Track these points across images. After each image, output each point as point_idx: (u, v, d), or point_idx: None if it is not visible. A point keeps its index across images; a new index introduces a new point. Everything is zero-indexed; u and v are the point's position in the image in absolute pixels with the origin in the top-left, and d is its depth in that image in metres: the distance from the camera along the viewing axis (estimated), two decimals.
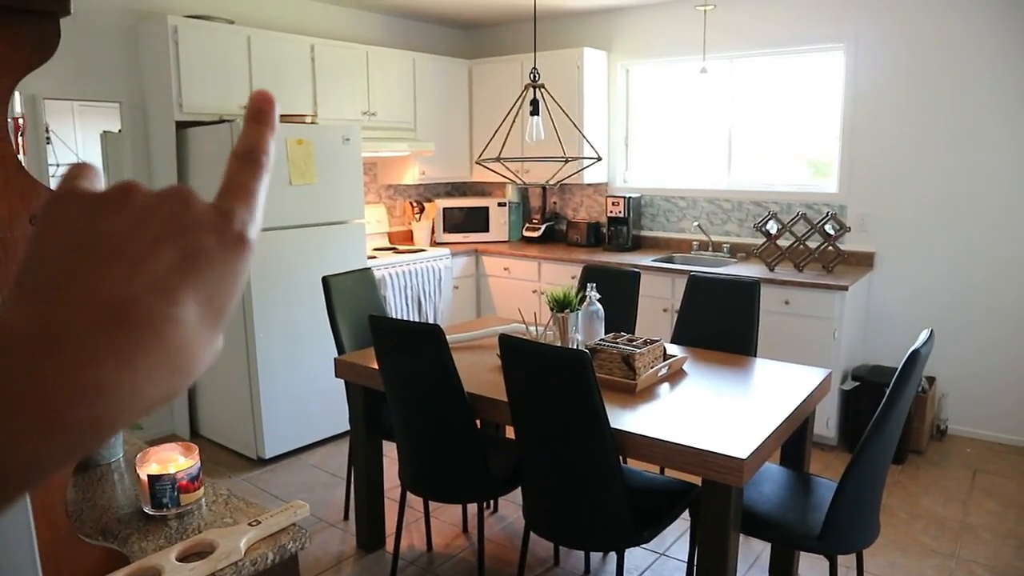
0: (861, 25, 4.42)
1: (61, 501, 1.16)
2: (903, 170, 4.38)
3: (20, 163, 1.05)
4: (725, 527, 2.17)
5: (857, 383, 4.13)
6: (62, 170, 5.25)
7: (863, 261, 4.54)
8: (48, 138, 4.36)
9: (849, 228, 4.36)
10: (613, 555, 3.13)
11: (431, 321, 5.05)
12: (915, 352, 2.13)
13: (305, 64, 4.60)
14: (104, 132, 4.52)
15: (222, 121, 3.96)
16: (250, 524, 1.38)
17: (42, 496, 1.12)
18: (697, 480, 2.29)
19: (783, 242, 4.57)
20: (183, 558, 1.28)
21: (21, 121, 1.69)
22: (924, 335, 2.24)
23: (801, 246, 4.43)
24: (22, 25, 1.01)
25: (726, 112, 5.06)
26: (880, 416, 2.14)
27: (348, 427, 3.36)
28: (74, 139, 5.97)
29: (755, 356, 3.16)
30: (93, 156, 5.31)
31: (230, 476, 3.92)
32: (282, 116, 4.09)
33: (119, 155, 4.34)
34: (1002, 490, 3.69)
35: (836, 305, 4.02)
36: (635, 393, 2.60)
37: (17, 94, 1.37)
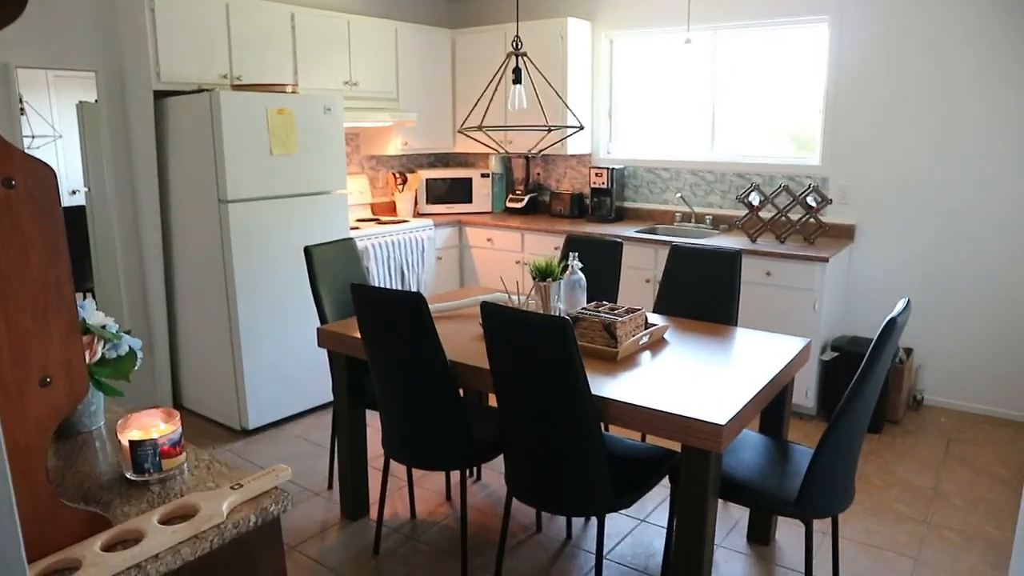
0: None
1: (41, 466, 1.16)
2: (885, 143, 4.41)
3: None
4: (704, 492, 2.21)
5: (836, 354, 4.19)
6: (37, 141, 5.19)
7: (844, 233, 4.58)
8: (22, 109, 4.28)
9: (831, 200, 4.39)
10: (595, 521, 3.18)
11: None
12: (891, 320, 2.16)
13: (286, 33, 4.54)
14: (80, 102, 4.45)
15: (201, 91, 3.90)
16: (232, 488, 1.39)
17: (20, 461, 1.12)
18: (677, 447, 2.32)
19: (765, 214, 4.59)
20: (166, 521, 1.29)
21: None
22: (901, 304, 2.27)
23: (783, 218, 4.46)
24: None
25: (710, 83, 5.05)
26: (856, 383, 2.17)
27: (331, 397, 3.37)
28: (49, 110, 5.87)
29: (736, 326, 3.19)
30: (69, 127, 5.24)
31: (213, 447, 3.93)
32: (263, 85, 4.06)
33: (96, 126, 4.28)
34: (975, 458, 3.77)
35: (817, 276, 4.05)
36: (616, 361, 2.62)
37: None
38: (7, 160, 1.05)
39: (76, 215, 4.43)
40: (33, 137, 5.18)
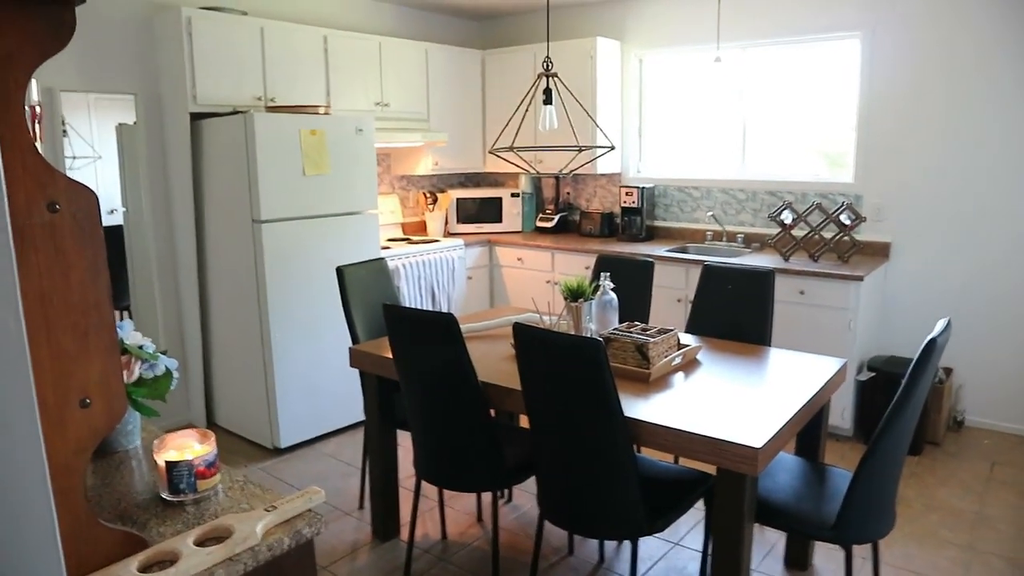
0: (878, 12, 4.37)
1: (80, 486, 1.17)
2: (920, 160, 4.34)
3: (37, 150, 1.06)
4: (739, 516, 2.17)
5: (873, 373, 4.11)
6: (78, 162, 5.30)
7: (879, 251, 4.50)
8: (64, 130, 4.39)
9: (865, 218, 4.33)
10: (627, 544, 3.13)
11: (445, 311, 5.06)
12: (932, 341, 2.11)
13: (318, 55, 4.61)
14: (120, 124, 4.55)
15: (236, 112, 3.97)
16: (266, 510, 1.39)
17: (60, 481, 1.13)
18: (711, 469, 2.28)
19: (798, 232, 4.53)
20: (200, 542, 1.29)
21: (38, 109, 1.70)
22: (941, 324, 2.22)
23: (816, 236, 4.40)
24: (38, 13, 1.01)
25: (740, 101, 5.02)
26: (896, 405, 2.12)
27: (363, 416, 3.38)
28: (90, 131, 6.01)
29: (770, 346, 3.14)
30: (108, 148, 5.35)
31: (246, 465, 3.95)
32: (296, 107, 4.12)
33: (134, 147, 4.37)
34: (1020, 482, 3.66)
35: (851, 295, 3.99)
36: (649, 382, 2.59)
37: (34, 83, 1.39)
38: (52, 185, 1.06)
39: (114, 234, 4.51)
40: (74, 158, 5.30)
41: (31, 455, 0.97)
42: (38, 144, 1.10)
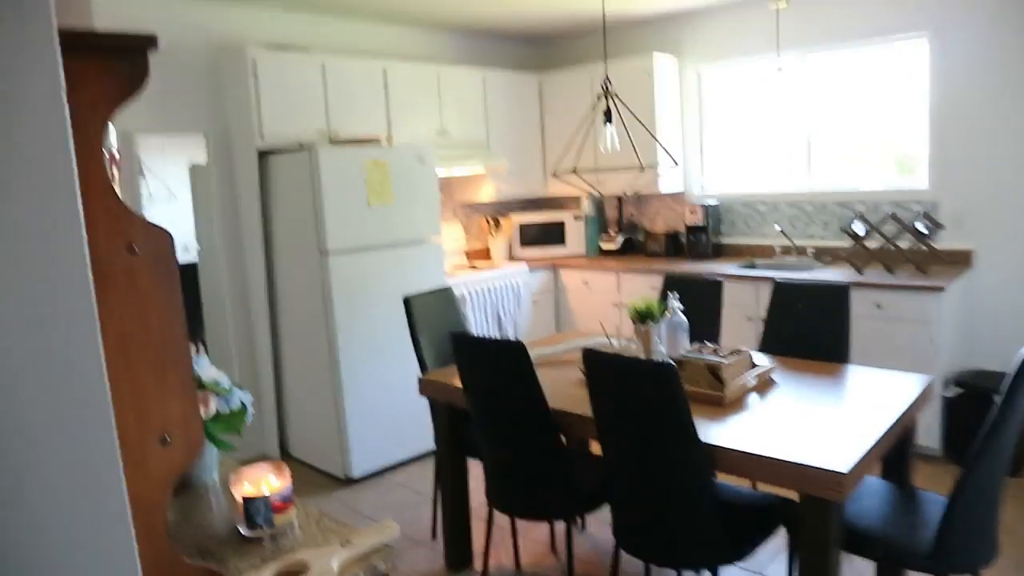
0: (945, 11, 4.21)
1: (161, 522, 1.19)
2: (999, 162, 4.14)
3: (116, 194, 1.08)
4: (826, 544, 2.07)
5: (961, 389, 3.91)
6: (154, 201, 5.50)
7: (960, 260, 4.30)
8: (141, 171, 4.57)
9: (943, 226, 4.15)
10: (707, 573, 3.03)
11: (511, 337, 5.05)
12: None
13: (378, 87, 4.69)
14: (192, 166, 4.71)
15: (301, 148, 4.06)
16: (341, 544, 1.38)
17: (143, 516, 1.15)
18: (792, 494, 2.19)
19: (871, 244, 4.37)
20: None
21: (117, 154, 1.76)
22: None
23: (891, 247, 4.24)
24: (115, 61, 1.04)
25: (804, 111, 4.90)
26: (994, 423, 2.00)
27: (433, 445, 3.38)
28: (164, 171, 6.25)
29: (848, 364, 3.02)
30: (182, 187, 5.54)
31: (319, 495, 3.99)
32: (358, 139, 4.19)
33: (206, 187, 4.51)
34: None
35: (932, 307, 3.82)
36: (723, 405, 2.51)
37: (112, 128, 1.43)
38: (130, 227, 1.09)
39: (188, 272, 4.66)
40: (151, 196, 5.51)
41: (113, 493, 0.98)
42: (116, 187, 1.13)
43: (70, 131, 0.81)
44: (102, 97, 1.03)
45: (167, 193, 5.75)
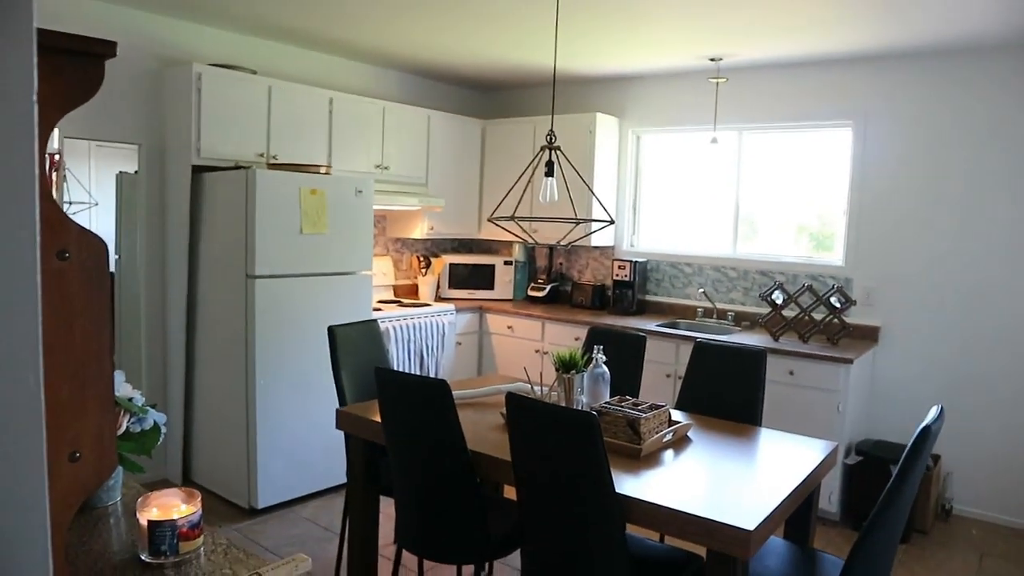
0: (869, 104, 4.51)
1: (61, 545, 1.13)
2: (910, 247, 4.42)
3: (52, 197, 1.06)
4: None
5: (860, 457, 4.08)
6: (74, 207, 5.30)
7: (868, 335, 4.54)
8: (64, 176, 4.41)
9: (855, 302, 4.37)
10: None
11: (433, 376, 5.02)
12: (926, 428, 2.10)
13: (323, 116, 4.68)
14: (120, 172, 4.58)
15: (238, 167, 4.00)
16: None
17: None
18: (699, 550, 2.24)
19: (788, 312, 4.57)
20: None
21: (57, 158, 1.71)
22: (934, 411, 2.22)
23: (806, 317, 4.44)
24: (71, 64, 1.03)
25: (734, 182, 5.13)
26: (890, 493, 2.10)
27: (344, 479, 3.31)
28: (88, 178, 6.02)
29: (759, 426, 3.13)
30: (105, 195, 5.35)
31: (220, 525, 3.84)
32: (298, 165, 4.15)
33: (133, 195, 4.39)
34: None
35: (841, 378, 4.00)
36: (639, 458, 2.56)
37: (56, 131, 1.39)
38: (64, 232, 1.06)
39: None
40: (71, 203, 5.30)
41: (35, 514, 0.94)
42: (54, 192, 1.10)
43: (37, 132, 0.80)
44: (51, 99, 1.01)
45: (89, 200, 5.55)
